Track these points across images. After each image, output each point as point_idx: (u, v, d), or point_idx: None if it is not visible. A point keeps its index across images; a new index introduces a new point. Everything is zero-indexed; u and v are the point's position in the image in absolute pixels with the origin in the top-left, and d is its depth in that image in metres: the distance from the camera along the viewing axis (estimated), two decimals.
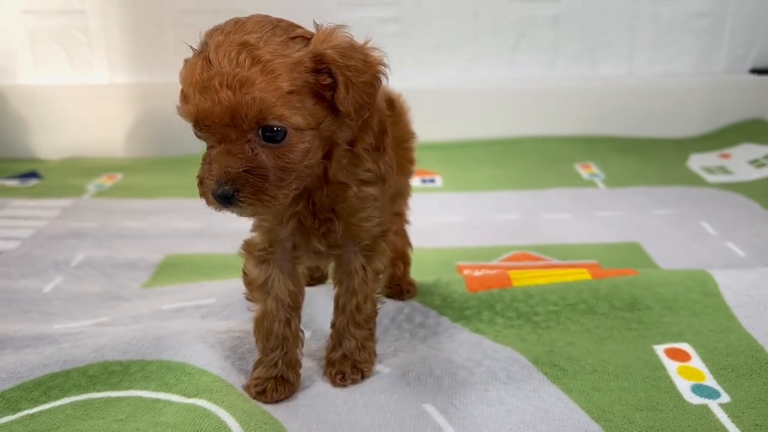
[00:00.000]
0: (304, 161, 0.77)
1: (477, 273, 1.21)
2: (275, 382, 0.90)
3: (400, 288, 1.14)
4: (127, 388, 0.91)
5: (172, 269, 1.37)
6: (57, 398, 0.90)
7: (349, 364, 0.94)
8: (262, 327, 0.90)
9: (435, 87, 2.11)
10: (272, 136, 0.74)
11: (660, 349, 0.99)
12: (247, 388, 0.91)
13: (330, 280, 1.08)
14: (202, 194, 0.76)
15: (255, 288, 0.90)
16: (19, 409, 0.88)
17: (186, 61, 0.76)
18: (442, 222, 1.58)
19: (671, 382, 0.92)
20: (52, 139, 2.10)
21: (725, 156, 1.96)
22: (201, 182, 0.76)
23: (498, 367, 0.95)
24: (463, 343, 1.01)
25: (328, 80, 0.75)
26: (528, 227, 1.54)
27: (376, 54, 0.79)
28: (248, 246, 0.90)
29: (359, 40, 0.79)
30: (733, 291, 1.10)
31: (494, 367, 0.95)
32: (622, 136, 2.12)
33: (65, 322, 1.14)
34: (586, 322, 1.06)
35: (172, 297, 1.21)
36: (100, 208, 1.69)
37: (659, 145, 2.07)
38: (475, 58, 2.13)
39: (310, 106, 0.75)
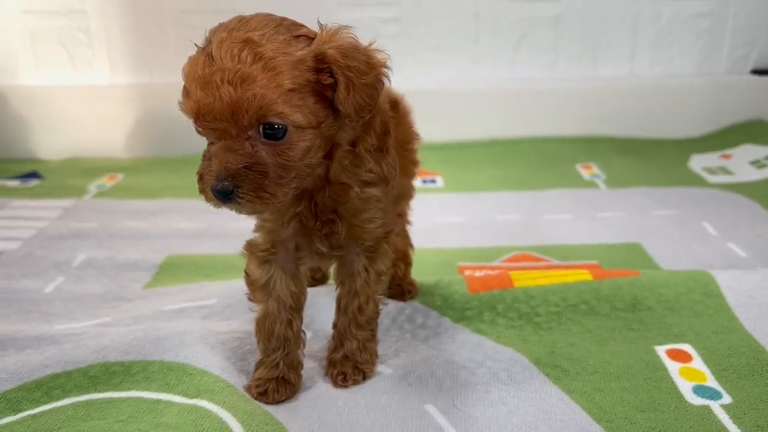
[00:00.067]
0: (305, 159, 0.77)
1: (478, 273, 1.21)
2: (277, 382, 0.90)
3: (402, 288, 1.13)
4: (129, 389, 0.91)
5: (173, 270, 1.37)
6: (58, 399, 0.90)
7: (350, 364, 0.94)
8: (264, 328, 0.90)
9: (435, 87, 2.11)
10: (273, 133, 0.74)
11: (661, 350, 0.99)
12: (248, 388, 0.91)
13: (331, 281, 1.08)
14: (202, 190, 0.76)
15: (257, 288, 0.90)
16: (21, 410, 0.88)
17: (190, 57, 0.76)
18: (443, 222, 1.58)
19: (673, 383, 0.92)
20: (52, 140, 2.10)
21: (726, 157, 1.95)
22: (200, 178, 0.76)
23: (499, 367, 0.95)
24: (465, 344, 1.01)
25: (330, 80, 0.75)
26: (529, 228, 1.54)
27: (379, 56, 0.79)
28: (251, 246, 0.90)
29: (363, 41, 0.79)
30: (735, 292, 1.10)
31: (496, 368, 0.95)
32: (623, 137, 2.12)
33: (66, 323, 1.14)
34: (587, 322, 1.06)
35: (174, 297, 1.21)
36: (102, 209, 1.69)
37: (660, 146, 2.07)
38: (475, 59, 2.13)
39: (311, 105, 0.75)
